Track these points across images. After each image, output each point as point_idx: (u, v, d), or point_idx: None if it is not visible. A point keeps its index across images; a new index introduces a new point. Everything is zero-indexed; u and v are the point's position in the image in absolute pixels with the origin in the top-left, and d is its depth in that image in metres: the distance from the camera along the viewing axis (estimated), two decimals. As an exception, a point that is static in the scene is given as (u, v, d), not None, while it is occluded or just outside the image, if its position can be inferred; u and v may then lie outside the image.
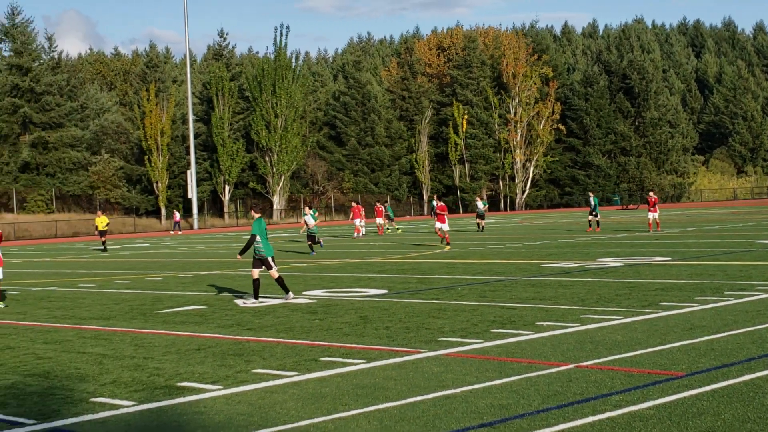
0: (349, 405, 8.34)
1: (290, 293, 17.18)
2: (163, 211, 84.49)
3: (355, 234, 44.92)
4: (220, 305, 16.92)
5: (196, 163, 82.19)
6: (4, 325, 15.35)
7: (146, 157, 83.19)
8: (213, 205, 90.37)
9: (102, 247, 42.51)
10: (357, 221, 45.13)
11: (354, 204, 47.76)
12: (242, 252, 17.39)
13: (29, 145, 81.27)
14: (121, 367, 10.81)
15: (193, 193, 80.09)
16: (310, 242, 32.95)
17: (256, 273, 17.21)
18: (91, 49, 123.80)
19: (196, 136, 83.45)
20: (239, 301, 17.48)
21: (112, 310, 16.83)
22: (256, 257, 17.20)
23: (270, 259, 17.10)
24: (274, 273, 17.11)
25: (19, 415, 8.52)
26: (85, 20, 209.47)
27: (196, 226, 80.00)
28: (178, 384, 9.64)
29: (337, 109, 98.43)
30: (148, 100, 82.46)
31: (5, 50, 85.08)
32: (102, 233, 42.67)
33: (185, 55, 79.90)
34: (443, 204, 35.93)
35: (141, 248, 44.32)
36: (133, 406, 8.74)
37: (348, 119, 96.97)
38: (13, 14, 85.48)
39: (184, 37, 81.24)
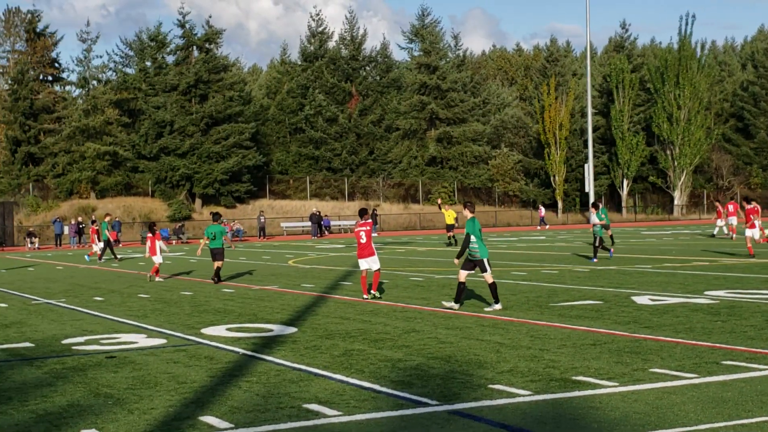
0: (753, 412, 7.88)
1: (498, 304, 15.96)
2: (560, 204, 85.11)
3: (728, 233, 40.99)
4: (616, 301, 16.68)
5: (594, 156, 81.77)
6: (411, 310, 16.30)
7: (545, 150, 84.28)
8: (610, 199, 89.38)
9: (448, 241, 41.70)
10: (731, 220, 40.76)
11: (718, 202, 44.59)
12: (459, 255, 16.39)
13: (435, 140, 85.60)
14: (518, 356, 11.03)
15: (590, 187, 79.77)
16: (599, 245, 28.65)
17: (463, 276, 16.21)
18: (494, 46, 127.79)
19: (594, 130, 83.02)
20: (445, 303, 16.73)
21: (509, 300, 17.22)
22: (469, 259, 16.24)
23: (485, 261, 16.05)
24: (489, 277, 16.09)
25: (422, 395, 9.00)
26: (489, 18, 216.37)
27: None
28: (574, 378, 9.65)
29: (745, 100, 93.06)
30: (548, 94, 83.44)
31: (415, 50, 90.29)
32: (449, 227, 42.12)
33: (585, 48, 79.65)
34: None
35: (536, 240, 44.98)
36: (529, 395, 8.88)
37: (757, 110, 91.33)
38: (423, 15, 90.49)
39: (585, 30, 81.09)
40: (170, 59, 79.45)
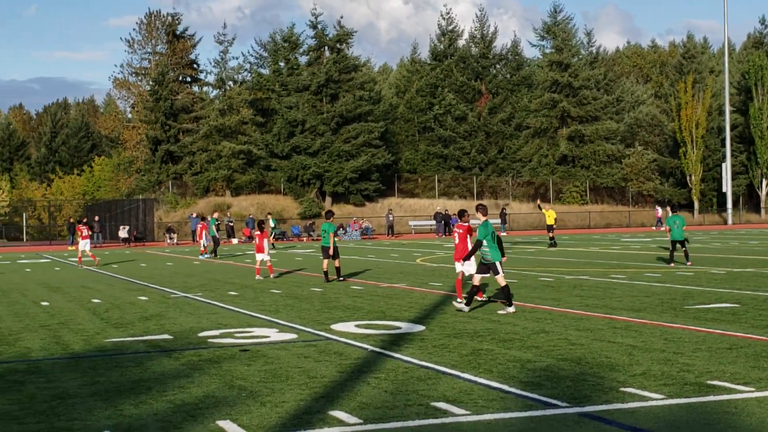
0: None
1: (512, 307, 15.80)
2: (696, 204, 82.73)
3: None
4: (753, 304, 16.12)
5: (732, 155, 79.17)
6: (540, 310, 16.14)
7: (680, 149, 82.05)
8: (749, 199, 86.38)
9: (551, 242, 40.56)
10: None
11: None
12: (467, 258, 16.62)
13: (566, 138, 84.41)
14: (651, 359, 10.78)
15: (727, 187, 77.35)
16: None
17: (477, 279, 16.20)
18: (628, 42, 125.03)
19: (732, 128, 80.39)
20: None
21: (642, 302, 16.86)
22: (483, 262, 16.16)
23: (497, 264, 15.96)
24: (501, 280, 16.00)
25: (552, 397, 8.91)
26: (622, 14, 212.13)
27: (729, 221, 77.16)
28: (709, 382, 9.38)
29: None
30: (684, 91, 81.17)
31: (547, 47, 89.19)
32: (550, 228, 41.28)
33: (723, 45, 77.33)
34: None
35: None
36: (662, 399, 8.68)
37: None
38: (555, 12, 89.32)
39: (722, 26, 78.62)
40: (302, 60, 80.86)
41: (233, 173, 77.18)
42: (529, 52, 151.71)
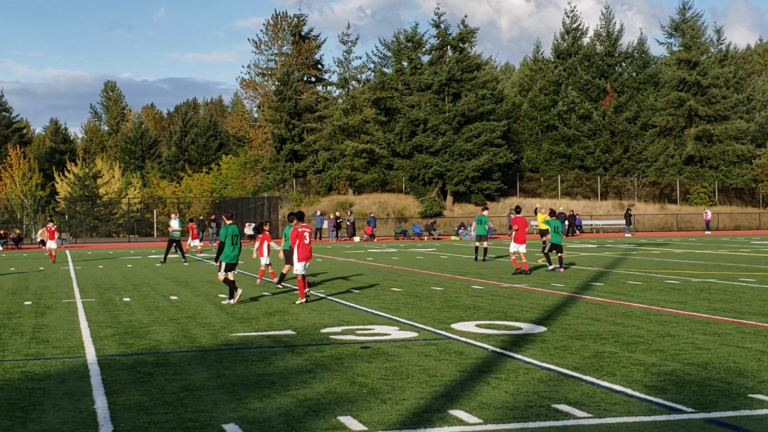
0: None
1: (230, 300, 18.44)
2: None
3: None
4: None
5: None
6: (665, 313, 15.79)
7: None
8: None
9: (543, 246, 38.12)
10: None
11: None
12: (216, 258, 19.00)
13: (694, 138, 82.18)
14: (782, 366, 10.43)
15: None
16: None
17: (224, 275, 18.60)
18: (760, 39, 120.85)
19: None
20: (224, 302, 18.65)
21: (773, 308, 16.31)
22: (227, 262, 18.63)
23: (224, 264, 18.47)
24: (220, 275, 18.62)
25: (677, 402, 8.72)
26: (752, 10, 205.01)
27: None
28: None
29: None
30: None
31: (674, 45, 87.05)
32: (543, 233, 38.66)
33: None
34: None
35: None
36: (793, 408, 8.40)
37: None
38: (684, 9, 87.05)
39: None
40: (425, 59, 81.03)
41: (356, 172, 77.95)
42: (656, 50, 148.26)
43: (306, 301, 18.45)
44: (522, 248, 26.04)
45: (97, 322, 15.74)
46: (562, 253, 27.02)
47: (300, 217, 19.50)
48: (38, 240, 56.68)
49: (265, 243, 23.85)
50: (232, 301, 18.48)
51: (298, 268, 18.65)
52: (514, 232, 26.36)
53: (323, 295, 20.07)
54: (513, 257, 26.64)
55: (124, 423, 8.22)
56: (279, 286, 22.11)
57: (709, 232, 66.62)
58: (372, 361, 11.21)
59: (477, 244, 33.23)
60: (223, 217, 19.35)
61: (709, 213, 69.16)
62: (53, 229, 38.47)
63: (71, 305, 18.73)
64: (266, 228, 24.34)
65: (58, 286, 23.90)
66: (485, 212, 33.53)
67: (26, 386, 9.98)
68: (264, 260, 23.92)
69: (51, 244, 37.90)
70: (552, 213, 28.55)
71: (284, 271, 22.27)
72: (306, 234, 18.92)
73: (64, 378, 10.45)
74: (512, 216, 28.05)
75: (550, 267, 27.02)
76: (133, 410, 8.75)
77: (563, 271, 26.39)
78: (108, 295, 20.93)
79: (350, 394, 9.31)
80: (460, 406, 8.63)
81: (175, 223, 36.25)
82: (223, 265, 18.52)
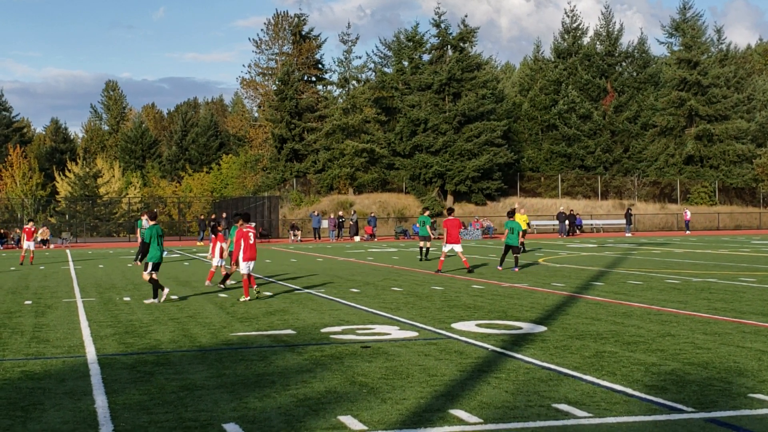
0: None
1: (154, 300, 18.60)
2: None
3: None
4: None
5: None
6: (666, 313, 15.79)
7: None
8: None
9: (521, 248, 35.65)
10: None
11: None
12: (136, 258, 19.53)
13: (694, 137, 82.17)
14: (782, 366, 10.43)
15: None
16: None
17: (149, 275, 18.73)
18: (760, 39, 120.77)
19: None
20: (147, 300, 18.85)
21: (773, 307, 16.31)
22: (154, 262, 18.79)
23: (151, 264, 18.62)
24: (145, 275, 18.75)
25: (677, 401, 8.72)
26: (752, 9, 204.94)
27: None
28: None
29: None
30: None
31: (675, 45, 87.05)
32: (523, 233, 38.09)
33: None
34: None
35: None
36: (793, 408, 8.40)
37: None
38: (684, 9, 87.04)
39: None
40: (425, 58, 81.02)
41: (356, 171, 77.94)
42: (656, 50, 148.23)
43: (250, 300, 18.88)
44: (458, 248, 26.98)
45: (98, 321, 15.75)
46: (517, 254, 27.49)
47: (246, 217, 20.10)
48: (16, 240, 55.31)
49: (218, 245, 23.37)
50: (156, 301, 18.69)
51: (243, 267, 19.34)
52: (445, 234, 27.24)
53: (324, 295, 20.05)
54: (442, 258, 27.69)
55: (124, 422, 8.22)
56: (221, 285, 22.19)
57: (689, 232, 66.60)
58: (372, 360, 11.21)
59: (421, 244, 33.43)
60: (146, 218, 19.77)
61: (689, 213, 69.34)
62: (32, 229, 36.60)
63: (71, 305, 18.74)
64: (220, 229, 24.02)
65: (59, 286, 23.92)
66: (426, 213, 33.98)
67: (26, 385, 9.99)
68: (215, 261, 23.40)
69: (28, 245, 36.02)
70: (510, 213, 28.74)
71: (231, 271, 22.42)
72: (251, 234, 19.65)
73: (65, 377, 10.46)
74: (444, 218, 28.37)
75: (499, 267, 27.40)
76: (133, 409, 8.75)
77: (517, 271, 26.69)
78: (108, 295, 20.94)
79: (350, 393, 9.31)
80: (461, 406, 8.63)
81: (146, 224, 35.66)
82: (150, 265, 18.74)
